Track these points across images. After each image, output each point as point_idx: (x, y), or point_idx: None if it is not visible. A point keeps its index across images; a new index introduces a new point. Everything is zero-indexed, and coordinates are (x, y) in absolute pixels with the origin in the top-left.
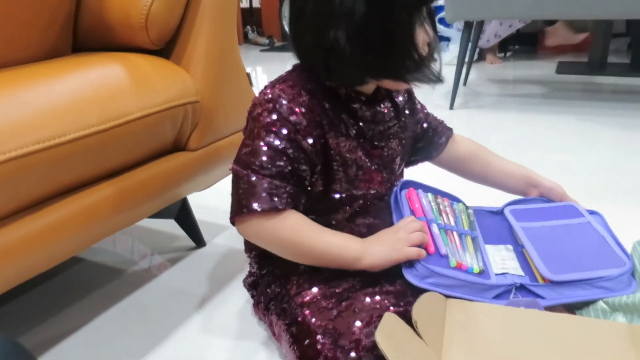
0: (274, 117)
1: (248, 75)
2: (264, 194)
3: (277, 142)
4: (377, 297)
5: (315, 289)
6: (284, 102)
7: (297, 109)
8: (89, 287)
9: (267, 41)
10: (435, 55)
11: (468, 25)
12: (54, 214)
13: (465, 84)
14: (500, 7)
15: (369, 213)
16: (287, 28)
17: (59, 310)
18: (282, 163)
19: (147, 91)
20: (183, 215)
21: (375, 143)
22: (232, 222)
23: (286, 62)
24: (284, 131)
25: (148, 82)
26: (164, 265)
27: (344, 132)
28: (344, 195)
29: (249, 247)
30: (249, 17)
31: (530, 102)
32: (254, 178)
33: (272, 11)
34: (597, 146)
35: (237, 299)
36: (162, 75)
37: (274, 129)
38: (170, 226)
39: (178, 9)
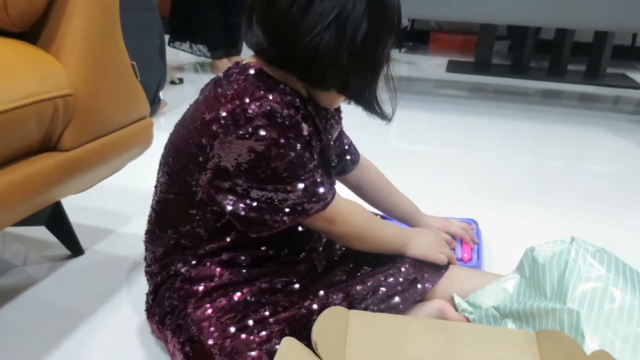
0: (273, 125)
1: (133, 66)
2: (318, 189)
3: (295, 149)
4: (281, 301)
5: (218, 302)
6: (272, 107)
7: (288, 109)
8: None
9: None
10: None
11: None
12: None
13: None
14: (448, 8)
15: None
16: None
17: None
18: (305, 159)
19: (6, 82)
20: (55, 220)
21: (323, 137)
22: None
23: None
24: (292, 133)
25: (7, 72)
26: (33, 278)
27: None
28: None
29: (155, 247)
30: None
31: (422, 99)
32: (300, 185)
33: None
34: (482, 142)
35: (123, 315)
36: (26, 64)
37: (284, 136)
38: (40, 231)
39: None
